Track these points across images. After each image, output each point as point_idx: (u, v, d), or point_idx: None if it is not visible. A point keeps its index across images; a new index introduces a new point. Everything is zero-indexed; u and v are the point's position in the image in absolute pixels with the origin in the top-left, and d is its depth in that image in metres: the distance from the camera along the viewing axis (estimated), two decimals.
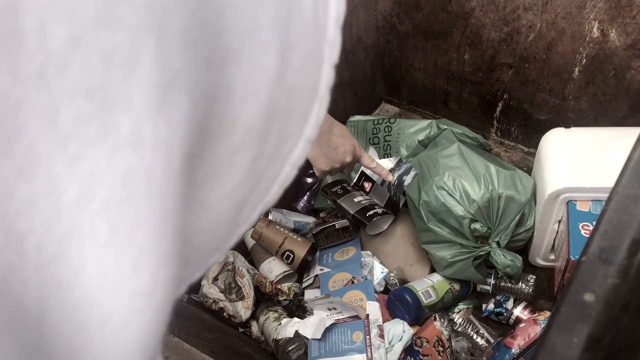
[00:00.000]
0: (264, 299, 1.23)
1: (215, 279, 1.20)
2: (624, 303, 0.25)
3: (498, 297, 1.22)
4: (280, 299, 1.20)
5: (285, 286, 1.20)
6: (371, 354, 1.02)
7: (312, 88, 0.21)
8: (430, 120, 1.37)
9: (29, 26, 0.13)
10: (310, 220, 1.36)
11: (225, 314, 1.17)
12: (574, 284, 0.26)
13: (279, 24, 0.18)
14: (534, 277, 1.21)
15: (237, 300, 1.19)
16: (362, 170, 1.25)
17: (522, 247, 1.23)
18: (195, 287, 1.18)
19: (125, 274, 0.16)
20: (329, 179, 1.32)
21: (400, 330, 1.06)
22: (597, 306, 0.25)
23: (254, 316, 1.21)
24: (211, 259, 0.23)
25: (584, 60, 1.18)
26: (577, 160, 1.09)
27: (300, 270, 1.25)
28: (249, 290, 1.20)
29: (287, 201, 1.39)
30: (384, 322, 1.09)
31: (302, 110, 0.21)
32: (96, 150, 0.14)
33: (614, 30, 1.09)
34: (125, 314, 0.16)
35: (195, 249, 0.21)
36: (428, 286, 1.16)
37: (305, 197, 1.39)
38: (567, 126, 1.16)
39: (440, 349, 1.10)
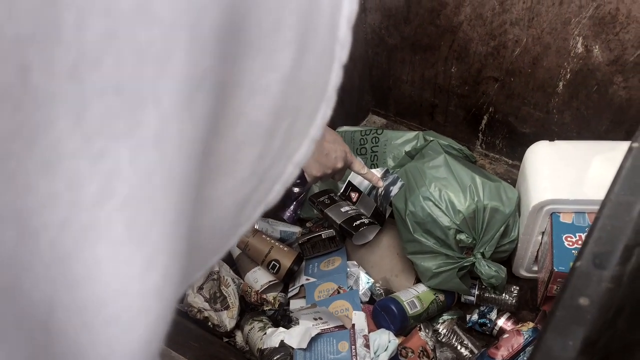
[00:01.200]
0: (249, 308, 1.22)
1: (200, 288, 1.19)
2: (617, 307, 0.26)
3: (482, 308, 1.22)
4: (265, 308, 1.19)
5: (270, 296, 1.20)
6: None
7: (321, 88, 0.21)
8: (417, 132, 1.38)
9: (67, 20, 0.12)
10: (297, 229, 1.35)
11: (209, 324, 1.16)
12: (569, 289, 0.26)
13: (301, 25, 0.18)
14: (518, 288, 1.22)
15: (221, 310, 1.18)
16: (349, 181, 1.26)
17: (505, 259, 1.24)
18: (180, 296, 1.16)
19: (137, 272, 0.15)
20: (316, 189, 1.32)
21: (385, 340, 1.06)
22: (591, 310, 0.25)
23: (238, 326, 1.20)
24: (212, 259, 0.23)
25: (568, 75, 1.20)
26: (561, 173, 1.10)
27: (286, 280, 1.24)
28: (234, 300, 1.19)
29: (273, 210, 1.39)
30: (369, 332, 1.09)
31: (310, 110, 0.21)
32: (120, 147, 0.14)
33: (597, 46, 1.12)
34: (132, 313, 0.16)
35: (196, 248, 0.20)
36: (413, 296, 1.17)
37: (292, 207, 1.38)
38: (551, 139, 1.18)
39: (425, 359, 1.10)
